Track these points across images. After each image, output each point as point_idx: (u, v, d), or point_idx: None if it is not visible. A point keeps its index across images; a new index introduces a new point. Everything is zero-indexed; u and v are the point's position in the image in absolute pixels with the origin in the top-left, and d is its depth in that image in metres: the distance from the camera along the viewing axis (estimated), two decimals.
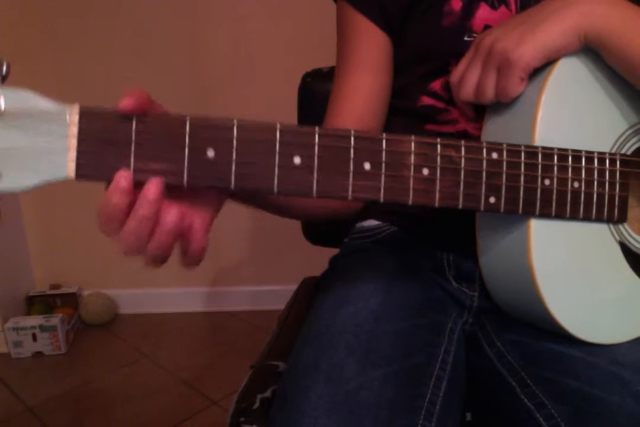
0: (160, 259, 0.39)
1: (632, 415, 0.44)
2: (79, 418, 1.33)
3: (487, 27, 0.57)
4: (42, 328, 1.58)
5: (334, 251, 0.74)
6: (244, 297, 1.85)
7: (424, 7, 0.60)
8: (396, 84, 0.65)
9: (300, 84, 0.90)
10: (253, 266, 1.85)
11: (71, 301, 1.78)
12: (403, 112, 0.65)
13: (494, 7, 0.57)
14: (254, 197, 0.50)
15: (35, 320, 1.61)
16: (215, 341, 1.70)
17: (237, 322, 1.80)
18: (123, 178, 0.36)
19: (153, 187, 0.36)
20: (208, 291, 1.87)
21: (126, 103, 0.36)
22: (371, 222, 0.70)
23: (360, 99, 0.63)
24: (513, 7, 0.57)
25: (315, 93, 0.87)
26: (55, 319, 1.61)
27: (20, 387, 1.44)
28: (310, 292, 0.85)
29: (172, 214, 0.37)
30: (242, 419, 0.56)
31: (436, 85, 0.60)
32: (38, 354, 1.60)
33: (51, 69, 1.64)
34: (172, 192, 0.38)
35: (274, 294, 1.73)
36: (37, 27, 1.61)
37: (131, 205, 0.37)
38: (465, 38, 0.57)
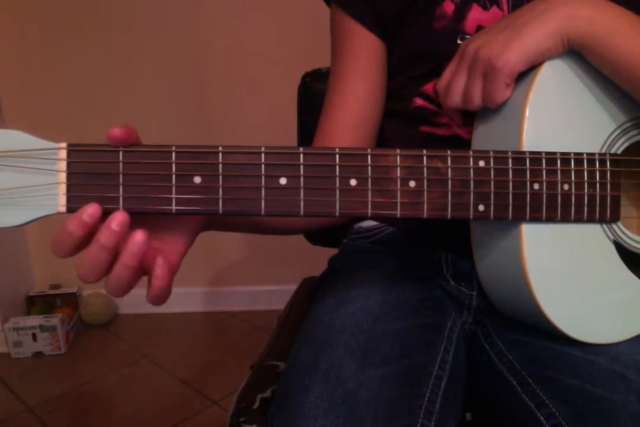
0: (118, 291, 0.39)
1: (635, 414, 0.44)
2: (79, 418, 1.33)
3: (479, 27, 0.57)
4: (42, 328, 1.58)
5: (334, 251, 0.74)
6: (244, 297, 1.85)
7: (417, 11, 0.60)
8: (390, 86, 0.65)
9: (300, 84, 0.90)
10: (253, 266, 1.85)
11: (71, 301, 1.78)
12: (397, 114, 0.65)
13: (485, 7, 0.57)
14: (241, 223, 0.51)
15: (35, 320, 1.61)
16: (215, 341, 1.70)
17: (237, 322, 1.80)
18: (86, 213, 0.37)
19: (120, 216, 0.37)
20: (208, 291, 1.87)
21: (116, 131, 0.37)
22: (370, 223, 0.70)
23: (355, 104, 0.63)
24: (505, 6, 0.57)
25: (315, 93, 0.87)
26: (55, 319, 1.61)
27: (20, 387, 1.44)
28: (310, 292, 0.85)
29: (133, 248, 0.37)
30: (242, 419, 0.56)
31: (429, 87, 0.60)
32: (38, 354, 1.60)
33: (52, 76, 1.65)
34: (141, 225, 0.38)
35: (274, 294, 1.73)
36: (34, 41, 1.62)
37: (88, 236, 0.37)
38: (458, 41, 0.57)
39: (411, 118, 0.62)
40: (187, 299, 1.85)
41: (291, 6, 1.60)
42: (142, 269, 0.40)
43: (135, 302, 1.83)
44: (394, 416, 0.45)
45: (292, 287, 0.92)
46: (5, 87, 1.65)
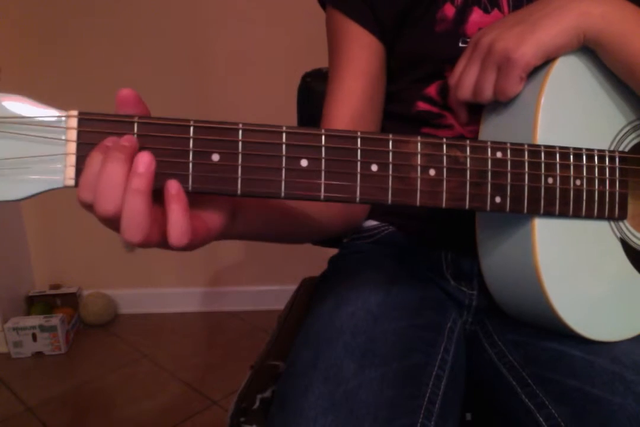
0: (132, 230, 0.34)
1: (633, 415, 0.44)
2: (79, 418, 1.33)
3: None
4: (42, 328, 1.58)
5: (334, 251, 0.75)
6: (244, 297, 1.85)
7: (417, 14, 0.59)
8: (391, 89, 0.65)
9: (300, 84, 0.90)
10: (253, 266, 1.85)
11: (71, 301, 1.78)
12: (398, 117, 0.65)
13: (486, 10, 0.57)
14: (262, 225, 0.49)
15: (35, 320, 1.61)
16: (215, 341, 1.70)
17: (237, 322, 1.80)
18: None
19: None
20: (208, 291, 1.87)
21: (125, 91, 0.35)
22: (370, 223, 0.70)
23: (352, 104, 0.63)
24: (506, 9, 0.57)
25: (315, 93, 0.87)
26: (55, 319, 1.61)
27: (20, 387, 1.44)
28: (310, 292, 0.85)
29: (140, 170, 0.33)
30: (242, 419, 0.56)
31: (431, 90, 0.60)
32: (38, 354, 1.60)
33: (51, 73, 1.65)
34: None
35: (274, 294, 1.73)
36: (36, 30, 1.61)
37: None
38: (460, 44, 0.57)
39: (413, 121, 0.62)
40: (187, 299, 1.85)
41: (292, 6, 1.59)
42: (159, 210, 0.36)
43: (135, 302, 1.84)
44: (394, 416, 0.45)
45: (292, 287, 0.92)
46: (5, 83, 1.65)
